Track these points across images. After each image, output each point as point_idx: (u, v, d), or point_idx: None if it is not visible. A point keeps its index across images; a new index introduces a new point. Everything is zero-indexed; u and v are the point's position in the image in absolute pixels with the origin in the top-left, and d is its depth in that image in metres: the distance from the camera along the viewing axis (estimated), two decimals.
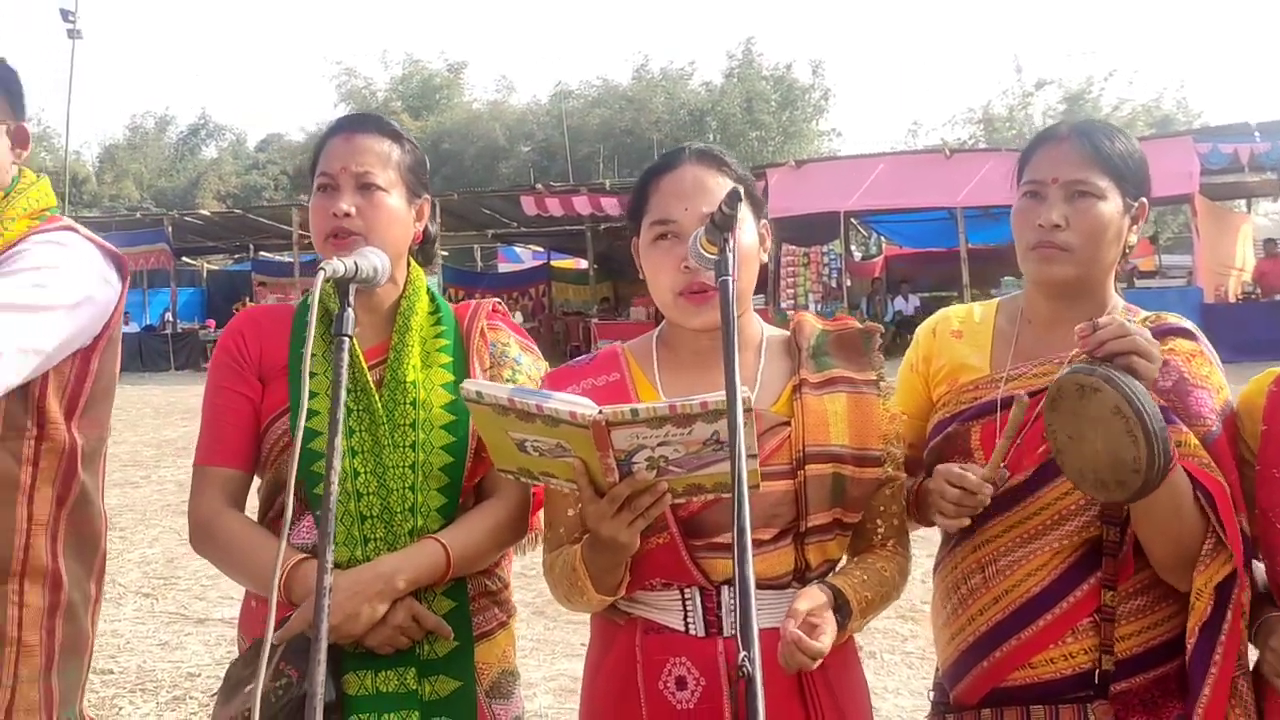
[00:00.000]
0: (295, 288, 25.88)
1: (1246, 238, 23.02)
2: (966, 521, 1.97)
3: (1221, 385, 2.00)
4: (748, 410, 1.57)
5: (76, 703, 2.17)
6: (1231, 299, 19.67)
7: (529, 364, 2.25)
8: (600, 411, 1.62)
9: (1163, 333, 1.97)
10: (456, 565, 2.03)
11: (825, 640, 1.77)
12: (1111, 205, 2.00)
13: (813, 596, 1.84)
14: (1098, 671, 1.96)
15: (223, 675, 2.08)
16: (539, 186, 24.99)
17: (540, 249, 30.96)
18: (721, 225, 1.64)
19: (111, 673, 5.20)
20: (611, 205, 22.00)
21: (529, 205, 23.07)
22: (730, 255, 1.64)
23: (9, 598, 2.04)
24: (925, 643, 5.24)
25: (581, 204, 22.57)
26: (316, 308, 1.69)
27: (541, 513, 2.11)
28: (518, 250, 33.20)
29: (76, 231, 2.17)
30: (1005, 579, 2.03)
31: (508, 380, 2.18)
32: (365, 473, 2.04)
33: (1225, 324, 16.32)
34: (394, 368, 2.10)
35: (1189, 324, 2.06)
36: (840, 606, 1.87)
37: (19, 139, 2.20)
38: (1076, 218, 1.99)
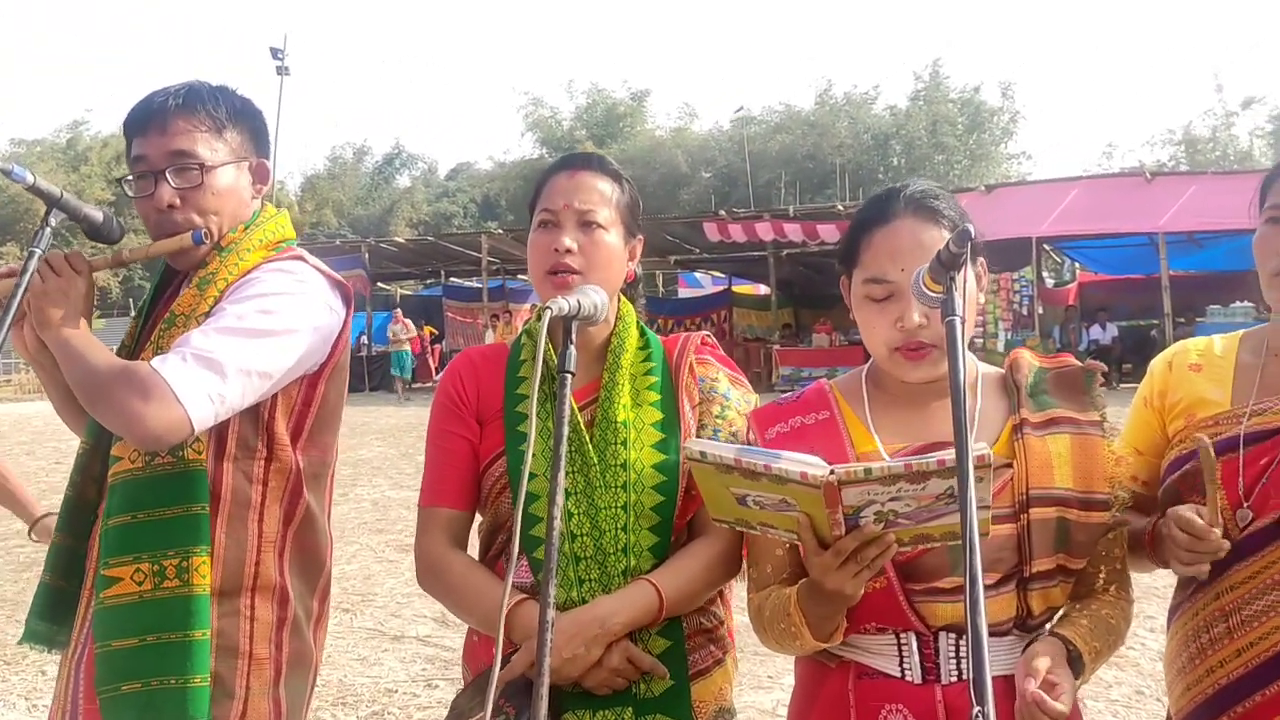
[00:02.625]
0: (484, 312, 26.65)
1: None
2: (1206, 568, 1.87)
3: None
4: (987, 466, 1.53)
5: (302, 716, 2.26)
6: None
7: (738, 399, 2.23)
8: (833, 471, 1.59)
9: None
10: (670, 606, 2.03)
11: (1066, 700, 1.71)
12: None
13: (1049, 652, 1.77)
14: None
15: (439, 699, 2.13)
16: (722, 213, 25.08)
17: (721, 275, 31.05)
18: (948, 264, 1.59)
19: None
20: (794, 231, 21.91)
21: (712, 231, 23.17)
22: (957, 295, 1.59)
23: (241, 612, 2.14)
24: (1130, 690, 5.00)
25: (764, 230, 22.54)
26: (527, 347, 1.71)
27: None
28: (698, 276, 33.37)
29: (305, 261, 2.27)
30: (1251, 630, 1.91)
31: (717, 417, 2.17)
32: (579, 514, 2.06)
33: None
34: (605, 408, 2.12)
35: None
36: (1072, 659, 1.80)
37: (260, 175, 2.33)
38: None
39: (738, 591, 2.27)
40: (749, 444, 1.97)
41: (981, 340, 20.26)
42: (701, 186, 43.05)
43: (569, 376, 1.70)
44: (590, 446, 2.08)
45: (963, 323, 1.57)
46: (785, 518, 1.70)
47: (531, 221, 2.18)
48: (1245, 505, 1.89)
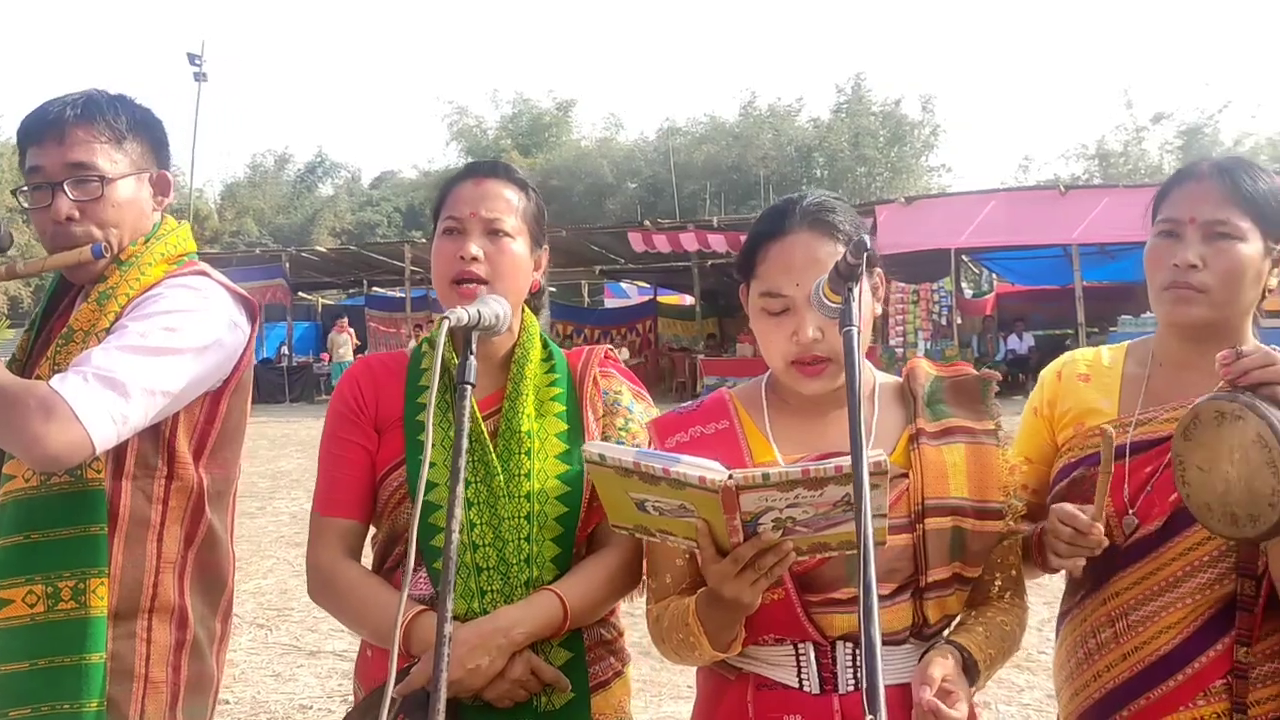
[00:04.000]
0: (407, 322, 26.39)
1: None
2: (1082, 563, 1.90)
3: None
4: (883, 473, 1.54)
5: None
6: None
7: (641, 412, 2.23)
8: (731, 476, 1.59)
9: None
10: (574, 616, 2.02)
11: (962, 708, 1.74)
12: (1252, 247, 1.93)
13: (945, 661, 1.79)
14: None
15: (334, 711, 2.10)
16: (647, 223, 25.12)
17: (647, 285, 31.11)
18: (846, 275, 1.60)
19: (226, 703, 5.30)
20: (718, 242, 22.00)
21: (637, 242, 23.19)
22: (854, 305, 1.60)
23: (138, 634, 2.09)
24: (1042, 694, 5.08)
25: (689, 240, 22.61)
26: (428, 356, 1.69)
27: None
28: (624, 286, 33.41)
29: (209, 276, 2.23)
30: (1136, 635, 1.96)
31: (620, 430, 2.17)
32: (481, 524, 2.04)
33: None
34: (509, 418, 2.11)
35: None
36: (968, 667, 1.82)
37: (161, 186, 2.28)
38: (1214, 258, 1.92)
39: (625, 603, 2.27)
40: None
41: (902, 350, 20.53)
42: (627, 197, 43.09)
43: (469, 387, 1.69)
44: (494, 456, 2.07)
45: (859, 333, 1.58)
46: (684, 524, 1.70)
47: (435, 229, 2.16)
48: (1131, 512, 1.95)
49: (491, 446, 2.07)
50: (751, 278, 1.96)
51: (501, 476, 2.06)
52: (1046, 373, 2.23)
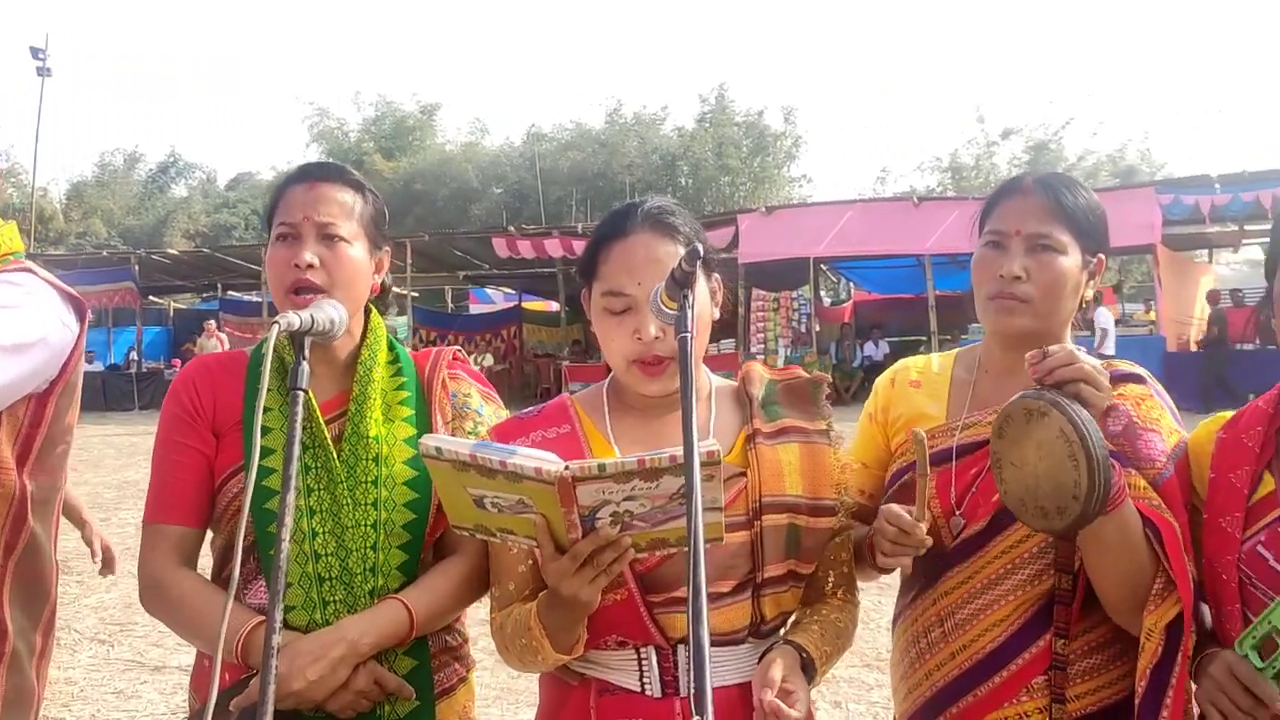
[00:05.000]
0: (264, 326, 25.70)
1: (1207, 288, 23.36)
2: (907, 561, 1.96)
3: (1173, 429, 2.01)
4: (716, 463, 1.56)
5: None
6: (1193, 347, 19.89)
7: (490, 414, 2.22)
8: (567, 467, 1.59)
9: (1114, 379, 1.99)
10: (420, 625, 2.00)
11: (801, 707, 1.77)
12: (1071, 260, 2.02)
13: (784, 661, 1.83)
14: None
15: None
16: (511, 229, 25.01)
17: (512, 291, 30.96)
18: (682, 282, 1.63)
19: None
20: (583, 248, 21.97)
21: (501, 247, 23.07)
22: (689, 312, 1.63)
23: None
24: (891, 692, 5.20)
25: (553, 246, 22.60)
26: (271, 359, 1.65)
27: None
28: (489, 292, 33.18)
29: (34, 273, 2.13)
30: (963, 634, 2.03)
31: (470, 433, 2.16)
32: (324, 533, 2.01)
33: (1189, 372, 16.51)
34: (354, 422, 2.07)
35: (1140, 369, 2.08)
36: (805, 665, 1.86)
37: None
38: (1037, 270, 2.00)
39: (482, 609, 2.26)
40: None
41: (763, 356, 20.87)
42: (493, 202, 42.79)
43: (300, 395, 1.66)
44: (338, 463, 2.03)
45: (693, 339, 1.61)
46: (523, 521, 1.69)
47: (269, 235, 2.11)
48: (958, 513, 2.02)
49: (335, 452, 2.04)
50: (594, 279, 1.98)
51: (346, 484, 2.02)
52: (881, 380, 2.31)
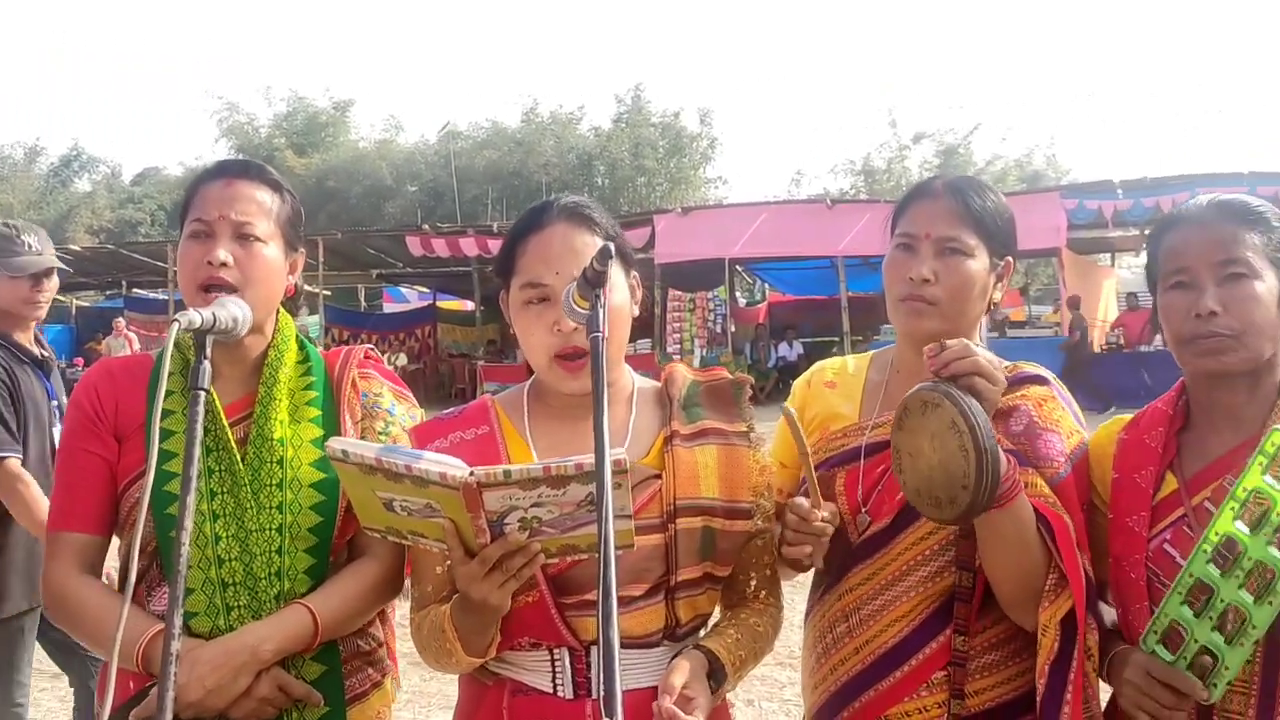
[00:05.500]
0: (170, 325, 25.05)
1: (1110, 291, 24.01)
2: (808, 550, 1.97)
3: (1074, 430, 2.05)
4: (623, 472, 1.56)
5: None
6: (1096, 349, 20.42)
7: (403, 414, 2.19)
8: (471, 473, 1.58)
9: (1018, 380, 2.03)
10: (325, 630, 1.97)
11: (700, 715, 1.77)
12: (979, 263, 2.05)
13: (686, 667, 1.82)
14: (948, 718, 1.99)
15: None
16: (425, 227, 24.75)
17: (426, 290, 30.65)
18: (593, 282, 1.63)
19: None
20: (498, 247, 21.72)
21: (415, 246, 22.83)
22: (601, 311, 1.63)
23: None
24: (801, 687, 5.25)
25: (468, 245, 22.42)
26: (177, 359, 1.61)
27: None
28: (404, 291, 32.82)
29: None
30: (868, 628, 2.05)
31: (380, 433, 2.13)
32: (227, 537, 1.97)
33: (1090, 374, 16.92)
34: (259, 424, 2.03)
35: (1044, 371, 2.12)
36: (714, 671, 1.86)
37: None
38: (945, 273, 2.03)
39: (399, 610, 2.23)
40: None
41: (679, 356, 20.94)
42: (407, 200, 42.30)
43: (202, 395, 1.62)
44: (242, 465, 1.99)
45: (605, 339, 1.61)
46: (433, 525, 1.68)
47: (182, 231, 2.06)
48: (864, 510, 2.05)
49: (239, 455, 2.00)
50: (512, 275, 1.97)
51: (250, 486, 1.99)
52: (798, 382, 2.33)
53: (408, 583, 2.12)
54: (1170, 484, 1.94)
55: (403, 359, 25.36)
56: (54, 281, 3.85)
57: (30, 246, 3.78)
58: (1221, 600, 1.73)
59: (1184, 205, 2.01)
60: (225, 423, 2.00)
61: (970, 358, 1.82)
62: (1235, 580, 1.72)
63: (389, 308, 32.87)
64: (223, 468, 1.98)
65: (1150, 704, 1.79)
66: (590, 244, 1.90)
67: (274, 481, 2.00)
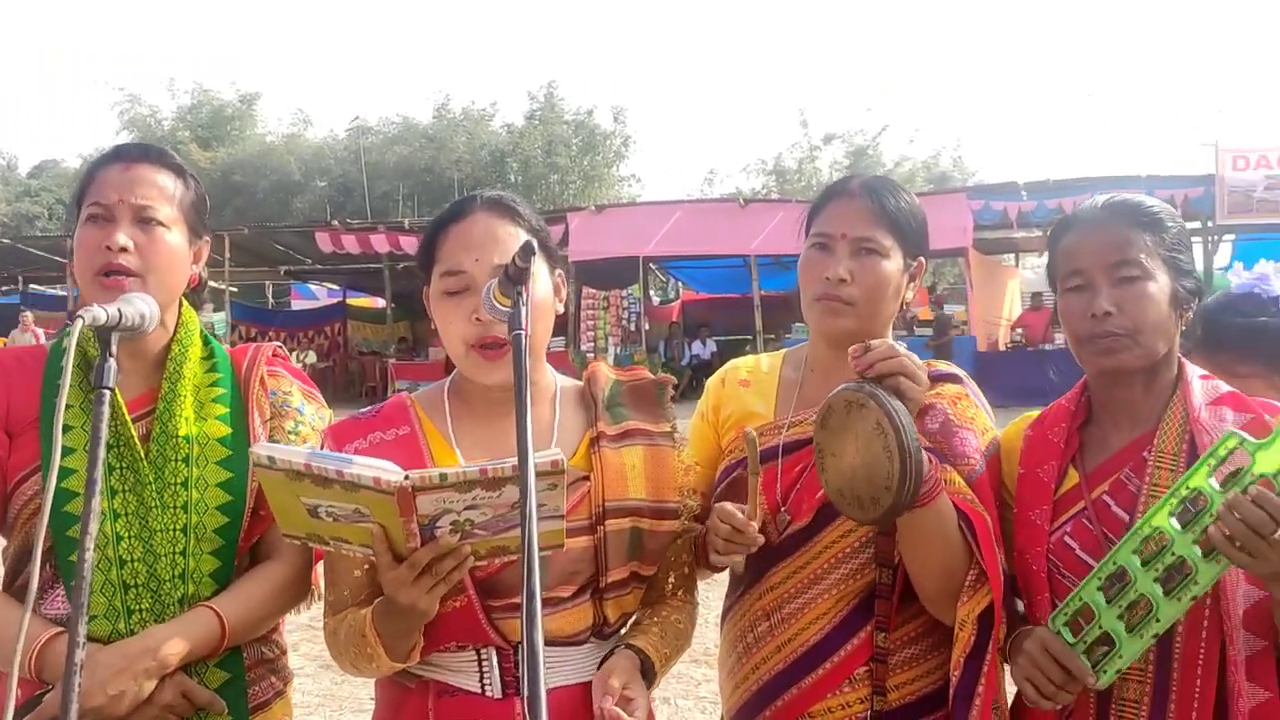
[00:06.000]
0: (70, 321, 24.32)
1: (1015, 290, 24.57)
2: (740, 558, 1.98)
3: (987, 427, 2.08)
4: (560, 472, 1.54)
5: None
6: (1002, 347, 20.87)
7: (312, 414, 2.14)
8: (407, 477, 1.55)
9: (932, 379, 2.04)
10: (233, 634, 1.91)
11: (641, 713, 1.78)
12: (893, 264, 2.07)
13: (623, 668, 1.82)
14: (870, 715, 2.01)
15: None
16: (335, 223, 24.40)
17: (336, 287, 30.19)
18: (515, 278, 1.60)
19: None
20: (410, 244, 21.65)
21: (324, 242, 22.48)
22: (523, 309, 1.60)
23: None
24: (718, 687, 5.27)
25: (379, 242, 22.15)
26: (75, 353, 1.54)
27: (322, 570, 2.01)
28: (312, 288, 32.29)
29: None
30: (789, 627, 2.06)
31: (290, 432, 2.08)
32: (129, 537, 1.90)
33: (997, 371, 17.28)
34: (163, 421, 1.96)
35: (957, 369, 2.15)
36: (645, 670, 1.86)
37: None
38: (861, 273, 2.04)
39: (308, 613, 2.18)
40: None
41: (593, 355, 20.93)
42: (316, 196, 41.58)
43: (107, 394, 1.56)
44: (145, 464, 1.93)
45: (528, 337, 1.58)
46: (359, 530, 1.64)
47: (79, 216, 1.97)
48: (783, 509, 2.05)
49: (143, 452, 1.93)
50: (433, 265, 1.93)
51: (154, 485, 1.92)
52: (712, 380, 2.33)
53: (315, 587, 2.08)
54: (1072, 478, 1.98)
55: (312, 357, 24.97)
56: None
57: None
58: (1135, 590, 1.76)
59: (1080, 208, 2.05)
60: (128, 419, 1.93)
61: (895, 358, 1.83)
62: (1153, 574, 1.75)
63: (297, 305, 32.33)
64: (124, 465, 1.91)
65: (1039, 677, 1.83)
66: (513, 235, 1.87)
67: (179, 480, 1.94)
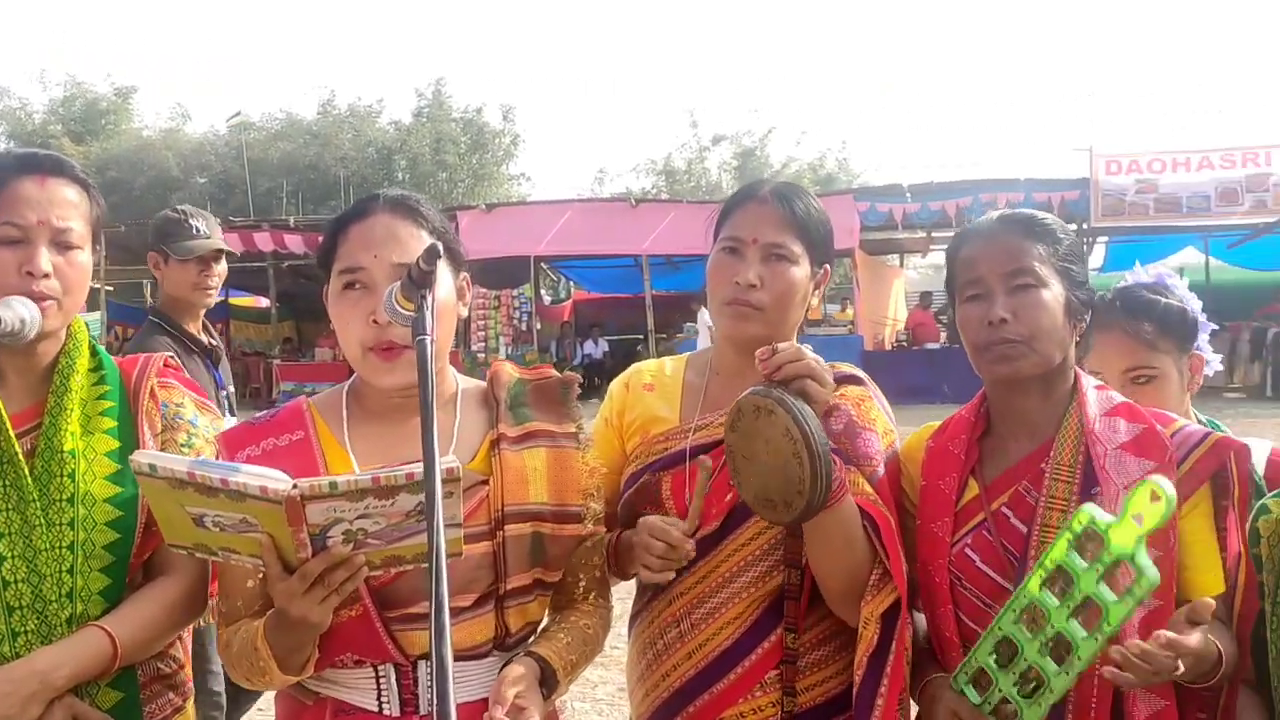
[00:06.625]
0: None
1: (900, 290, 25.12)
2: (671, 575, 1.98)
3: (888, 429, 2.11)
4: (456, 480, 1.51)
5: None
6: (888, 346, 21.31)
7: (206, 426, 2.07)
8: (295, 486, 1.50)
9: (836, 380, 2.06)
10: (125, 653, 1.84)
11: None
12: (802, 270, 2.08)
13: (519, 676, 1.78)
14: (781, 716, 2.01)
15: None
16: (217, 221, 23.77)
17: None
18: (419, 282, 1.56)
19: None
20: (295, 242, 21.25)
21: None
22: (428, 313, 1.56)
23: None
24: (615, 688, 5.27)
25: (263, 240, 21.66)
26: None
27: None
28: None
29: None
30: (700, 633, 2.06)
31: (183, 445, 2.01)
32: (13, 557, 1.81)
33: (883, 370, 17.58)
34: (48, 435, 1.88)
35: (859, 372, 2.18)
36: (546, 678, 1.83)
37: None
38: (771, 279, 2.05)
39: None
40: None
41: (484, 355, 20.78)
42: (196, 192, 40.42)
43: None
44: (29, 480, 1.84)
45: (433, 342, 1.54)
46: (247, 540, 1.59)
47: None
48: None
49: (27, 468, 1.85)
50: (332, 264, 1.89)
51: (38, 503, 1.84)
52: (615, 384, 2.31)
53: (212, 601, 2.01)
54: (972, 489, 2.01)
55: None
56: (222, 266, 3.87)
57: (198, 230, 3.82)
58: (1025, 660, 1.79)
59: (976, 221, 2.09)
60: (11, 434, 1.85)
61: (802, 360, 1.84)
62: (1037, 644, 1.78)
63: None
64: (7, 482, 1.83)
65: None
66: (415, 236, 1.84)
67: (64, 496, 1.86)
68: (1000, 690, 1.82)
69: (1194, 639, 1.67)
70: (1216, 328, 2.77)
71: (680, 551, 1.94)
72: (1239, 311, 19.67)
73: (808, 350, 1.88)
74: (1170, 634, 1.66)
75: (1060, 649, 1.76)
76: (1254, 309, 20.34)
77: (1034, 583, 1.77)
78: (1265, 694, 1.84)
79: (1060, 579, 1.76)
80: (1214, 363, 2.53)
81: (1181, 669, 1.66)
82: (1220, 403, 17.00)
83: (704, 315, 19.34)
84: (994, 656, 1.83)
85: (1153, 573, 1.66)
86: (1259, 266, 22.19)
